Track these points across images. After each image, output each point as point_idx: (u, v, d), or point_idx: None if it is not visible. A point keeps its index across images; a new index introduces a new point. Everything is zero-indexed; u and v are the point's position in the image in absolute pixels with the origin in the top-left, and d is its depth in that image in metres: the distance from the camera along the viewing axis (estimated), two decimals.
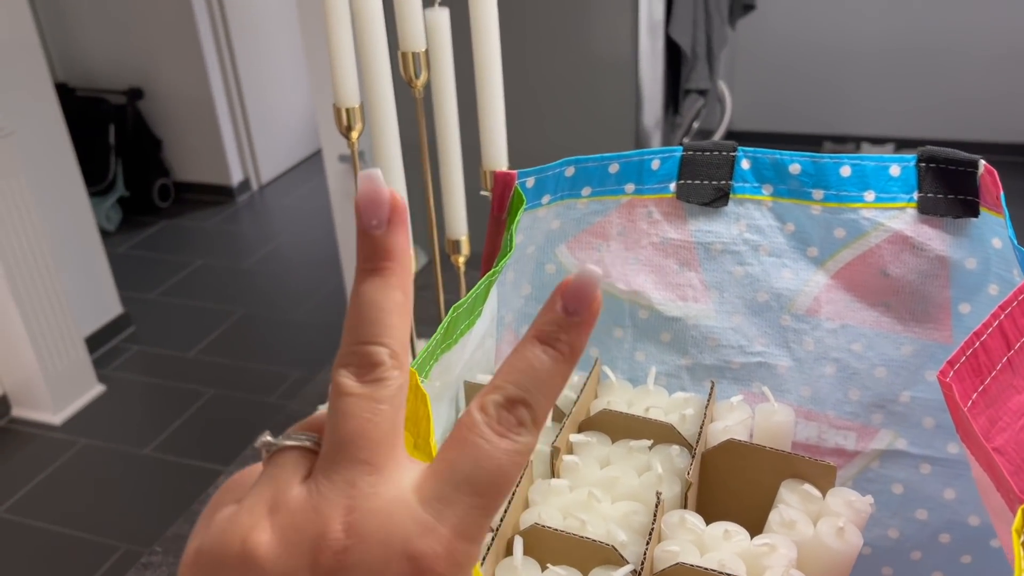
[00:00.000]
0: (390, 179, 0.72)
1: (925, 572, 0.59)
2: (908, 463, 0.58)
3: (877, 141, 3.39)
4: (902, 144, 3.33)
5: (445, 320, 0.45)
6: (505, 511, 0.45)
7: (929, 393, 0.57)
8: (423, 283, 1.17)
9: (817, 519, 0.46)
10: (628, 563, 0.42)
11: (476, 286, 0.50)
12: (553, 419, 0.52)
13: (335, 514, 0.24)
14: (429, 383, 0.46)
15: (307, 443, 0.26)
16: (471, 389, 0.55)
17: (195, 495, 0.90)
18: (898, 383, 0.57)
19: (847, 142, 3.42)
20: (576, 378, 0.56)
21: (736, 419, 0.52)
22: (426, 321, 1.09)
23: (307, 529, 0.24)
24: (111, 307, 2.63)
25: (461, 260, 0.85)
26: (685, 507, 0.47)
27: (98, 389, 2.41)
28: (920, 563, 0.59)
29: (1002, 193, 0.50)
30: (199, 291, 2.90)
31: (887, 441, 0.58)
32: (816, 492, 0.46)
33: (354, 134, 0.73)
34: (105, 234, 3.06)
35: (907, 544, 0.58)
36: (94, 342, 2.54)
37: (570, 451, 0.51)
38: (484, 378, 0.55)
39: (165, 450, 2.18)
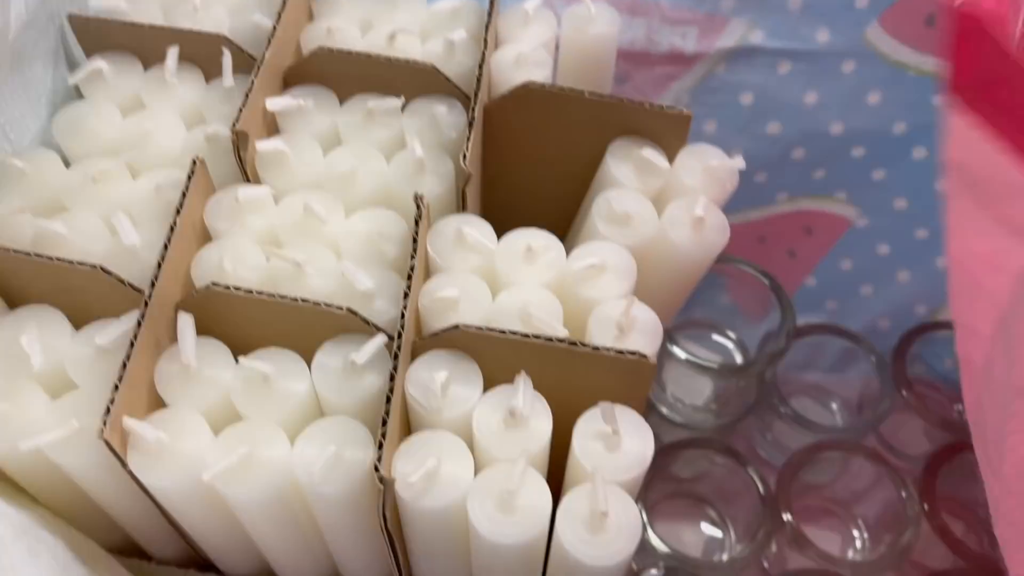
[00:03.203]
0: None
1: (769, 194, 0.48)
2: (763, 62, 0.42)
3: None
4: None
5: None
6: (159, 267, 0.26)
7: None
8: None
9: (662, 201, 0.30)
10: (379, 331, 0.26)
11: None
12: (235, 70, 0.31)
13: None
14: None
15: None
16: (82, 26, 0.31)
17: None
18: None
19: None
20: None
21: (535, 40, 0.32)
22: None
23: None
24: None
25: None
26: (463, 209, 0.30)
27: None
28: (764, 187, 0.47)
29: None
30: None
31: (738, 35, 0.41)
32: (662, 160, 0.30)
33: None
34: None
35: (752, 164, 0.45)
36: None
37: (271, 131, 0.31)
38: (99, 5, 0.32)
39: None
